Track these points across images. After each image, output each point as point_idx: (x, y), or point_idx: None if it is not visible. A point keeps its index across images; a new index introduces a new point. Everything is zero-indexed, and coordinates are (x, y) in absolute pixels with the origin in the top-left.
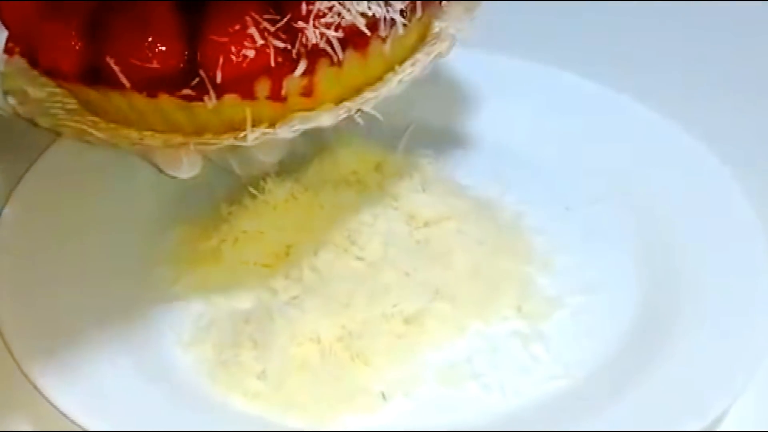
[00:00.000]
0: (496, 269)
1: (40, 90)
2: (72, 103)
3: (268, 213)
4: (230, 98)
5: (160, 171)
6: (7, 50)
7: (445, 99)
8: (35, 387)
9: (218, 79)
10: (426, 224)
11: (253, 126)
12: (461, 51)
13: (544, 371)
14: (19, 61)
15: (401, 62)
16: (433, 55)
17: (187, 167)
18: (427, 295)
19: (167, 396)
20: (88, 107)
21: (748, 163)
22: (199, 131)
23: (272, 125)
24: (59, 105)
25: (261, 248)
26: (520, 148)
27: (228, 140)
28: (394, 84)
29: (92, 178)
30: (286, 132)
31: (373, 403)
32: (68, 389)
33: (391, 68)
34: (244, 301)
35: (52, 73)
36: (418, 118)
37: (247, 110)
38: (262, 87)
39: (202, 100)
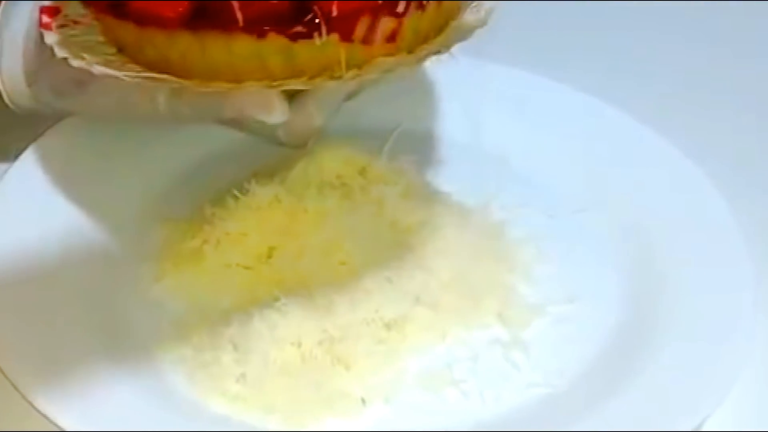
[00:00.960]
0: (478, 276)
1: (98, 56)
2: (135, 68)
3: (252, 215)
4: (332, 39)
5: (247, 121)
6: (44, 25)
7: (431, 105)
8: (13, 385)
9: (334, 13)
10: (409, 230)
11: (330, 72)
12: (448, 58)
13: (524, 379)
14: (63, 33)
15: (455, 17)
16: (483, 11)
17: (279, 112)
18: (409, 301)
19: (145, 397)
20: (157, 68)
21: (732, 175)
22: (292, 75)
23: (358, 68)
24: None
25: (243, 250)
26: (504, 155)
27: (324, 80)
28: (458, 34)
29: (74, 177)
30: (376, 72)
31: (353, 408)
32: (46, 388)
33: (446, 23)
34: (225, 303)
35: (148, 20)
36: (404, 123)
37: (342, 51)
38: (361, 27)
39: (310, 37)
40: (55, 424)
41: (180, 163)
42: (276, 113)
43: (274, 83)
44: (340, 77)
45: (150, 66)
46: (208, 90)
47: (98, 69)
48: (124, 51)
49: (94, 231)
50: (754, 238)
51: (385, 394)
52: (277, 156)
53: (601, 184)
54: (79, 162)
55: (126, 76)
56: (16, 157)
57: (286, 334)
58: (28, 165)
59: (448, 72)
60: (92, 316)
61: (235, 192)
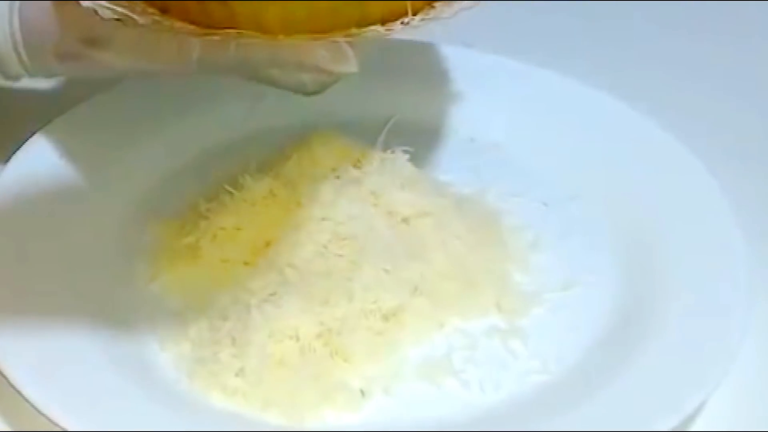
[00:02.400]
0: (474, 265)
1: (146, 18)
2: (188, 26)
3: (247, 210)
4: None
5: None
6: None
7: (424, 95)
8: (11, 384)
9: None
10: (405, 220)
11: (401, 18)
12: (441, 48)
13: (523, 366)
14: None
15: None
16: None
17: (353, 62)
18: (406, 291)
19: (145, 394)
20: (217, 25)
21: (725, 160)
22: (361, 24)
23: (414, 15)
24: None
25: (239, 245)
26: (499, 144)
27: (395, 27)
28: None
29: (69, 175)
30: (443, 16)
31: (352, 400)
32: (45, 387)
33: None
34: (222, 298)
35: None
36: (397, 113)
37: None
38: None
39: None
40: (55, 423)
41: (174, 160)
42: (352, 63)
43: (354, 33)
44: (408, 23)
45: (206, 24)
46: (281, 44)
47: (173, 25)
48: (168, 11)
49: (89, 229)
50: (750, 226)
51: (385, 385)
52: (271, 150)
53: (596, 172)
54: (74, 160)
55: (185, 30)
56: (10, 156)
57: (284, 327)
58: (21, 164)
59: (442, 62)
60: (90, 314)
61: (230, 187)
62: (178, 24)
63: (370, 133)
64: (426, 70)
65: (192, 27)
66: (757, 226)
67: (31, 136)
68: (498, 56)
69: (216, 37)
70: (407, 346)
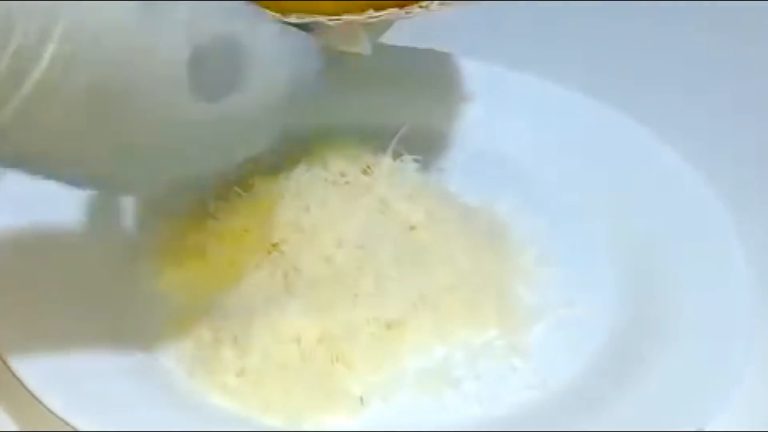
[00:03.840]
0: (479, 278)
1: None
2: None
3: (255, 212)
4: None
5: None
6: None
7: (437, 104)
8: (18, 380)
9: None
10: (412, 229)
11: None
12: (455, 58)
13: (522, 381)
14: None
15: None
16: None
17: (367, 43)
18: (410, 301)
19: (146, 392)
20: None
21: (732, 178)
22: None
23: None
24: None
25: (246, 246)
26: (509, 157)
27: (415, 9)
28: None
29: None
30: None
31: (351, 407)
32: (47, 384)
33: None
34: (226, 299)
35: None
36: (409, 122)
37: None
38: None
39: None
40: (64, 421)
41: None
42: (366, 45)
43: (374, 15)
44: (427, 7)
45: None
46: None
47: None
48: None
49: (96, 226)
50: (753, 243)
51: (384, 393)
52: (281, 153)
53: (603, 188)
54: None
55: None
56: None
57: (286, 330)
58: None
59: (456, 72)
60: (94, 310)
61: (239, 189)
62: None
63: (380, 141)
64: (439, 79)
65: None
66: (761, 244)
67: None
68: (511, 70)
69: None
70: (408, 356)
